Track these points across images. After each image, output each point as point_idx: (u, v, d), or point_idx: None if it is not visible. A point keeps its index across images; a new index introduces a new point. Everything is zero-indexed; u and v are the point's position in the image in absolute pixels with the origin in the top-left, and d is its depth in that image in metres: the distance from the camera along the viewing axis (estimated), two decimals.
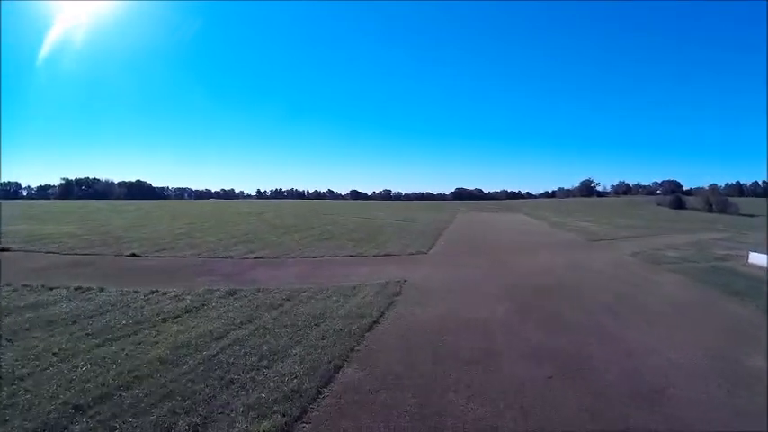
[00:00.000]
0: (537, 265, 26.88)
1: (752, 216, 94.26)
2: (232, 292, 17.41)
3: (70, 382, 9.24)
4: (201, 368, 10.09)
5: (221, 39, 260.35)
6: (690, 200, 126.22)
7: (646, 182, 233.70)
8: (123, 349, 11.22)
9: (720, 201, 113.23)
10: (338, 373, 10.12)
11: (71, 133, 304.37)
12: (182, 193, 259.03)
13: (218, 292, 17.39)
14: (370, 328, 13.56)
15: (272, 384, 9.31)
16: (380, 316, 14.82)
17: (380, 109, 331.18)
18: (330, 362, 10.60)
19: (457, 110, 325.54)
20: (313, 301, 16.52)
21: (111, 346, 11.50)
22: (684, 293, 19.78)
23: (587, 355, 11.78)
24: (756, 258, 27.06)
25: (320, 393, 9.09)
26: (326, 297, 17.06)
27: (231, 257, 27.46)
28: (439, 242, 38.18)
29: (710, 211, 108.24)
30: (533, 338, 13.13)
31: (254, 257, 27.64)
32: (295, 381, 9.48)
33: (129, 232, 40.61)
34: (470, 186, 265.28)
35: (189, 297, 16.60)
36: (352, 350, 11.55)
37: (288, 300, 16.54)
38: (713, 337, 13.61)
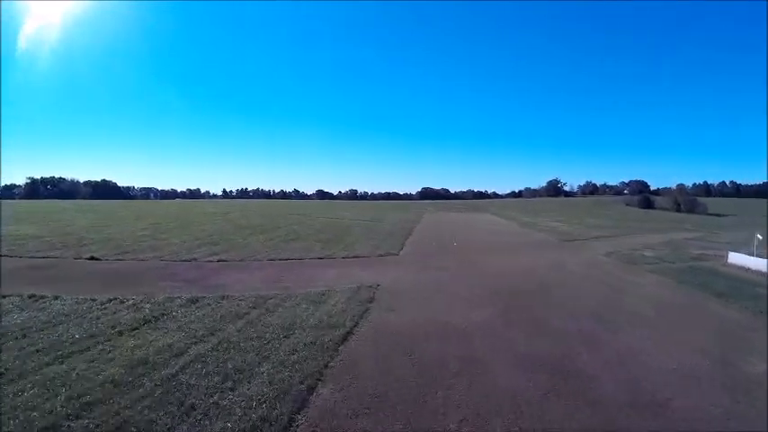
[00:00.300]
0: (511, 266, 26.66)
1: (719, 216, 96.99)
2: (194, 300, 16.38)
3: (15, 410, 8.25)
4: (159, 391, 9.17)
5: (190, 39, 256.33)
6: (658, 200, 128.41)
7: (612, 182, 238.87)
8: (74, 368, 10.20)
9: (689, 201, 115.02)
10: (312, 394, 9.36)
11: (36, 132, 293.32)
12: (147, 193, 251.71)
13: (180, 300, 16.33)
14: (344, 339, 12.83)
15: (238, 411, 8.49)
16: (354, 326, 14.07)
17: (347, 109, 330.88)
18: (302, 381, 9.82)
19: (424, 110, 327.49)
20: (281, 309, 15.61)
21: (62, 364, 10.47)
22: (667, 295, 19.88)
23: (580, 364, 11.46)
24: (736, 258, 27.52)
25: (293, 421, 8.31)
26: (295, 305, 16.18)
27: (195, 260, 26.22)
28: (408, 243, 37.66)
29: (679, 210, 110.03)
30: (519, 347, 12.71)
31: (219, 260, 26.45)
32: (264, 406, 8.68)
33: (92, 233, 38.57)
34: (437, 186, 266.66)
35: (148, 306, 15.48)
36: (326, 366, 10.80)
37: (254, 308, 15.60)
38: (703, 339, 13.57)
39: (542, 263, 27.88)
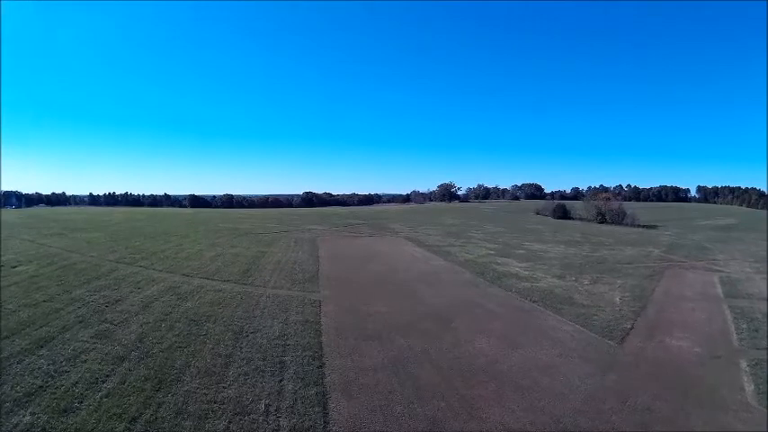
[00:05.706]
0: None
1: (651, 228, 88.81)
2: None
3: None
4: None
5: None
6: (576, 207, 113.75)
7: (504, 185, 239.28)
8: None
9: (616, 210, 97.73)
10: None
11: None
12: (10, 197, 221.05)
13: None
14: None
15: None
16: None
17: (219, 108, 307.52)
18: None
19: (302, 110, 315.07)
20: None
21: None
22: None
23: None
24: None
25: None
26: None
27: None
28: None
29: (603, 221, 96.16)
30: None
31: None
32: None
33: None
34: (319, 190, 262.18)
35: None
36: None
37: None
38: None
39: None
